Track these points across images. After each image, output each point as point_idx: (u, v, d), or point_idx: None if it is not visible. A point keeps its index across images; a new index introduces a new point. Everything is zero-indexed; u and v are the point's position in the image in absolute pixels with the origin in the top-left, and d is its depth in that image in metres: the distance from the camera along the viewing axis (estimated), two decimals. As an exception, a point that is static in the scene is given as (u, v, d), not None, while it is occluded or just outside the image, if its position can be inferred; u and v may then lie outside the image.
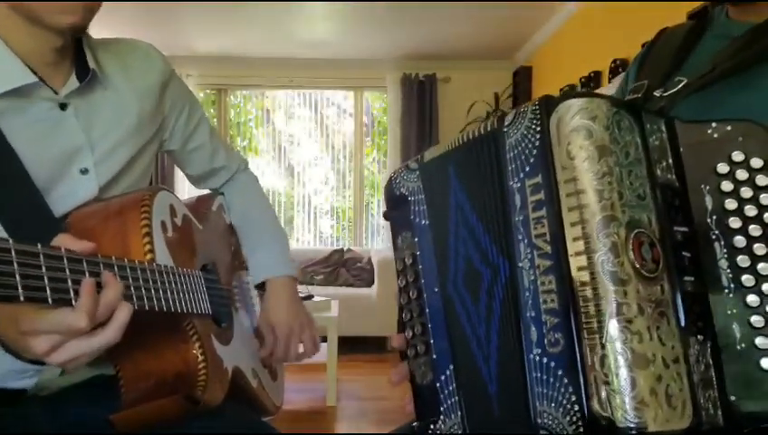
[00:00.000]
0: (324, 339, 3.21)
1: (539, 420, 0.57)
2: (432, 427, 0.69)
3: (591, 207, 0.56)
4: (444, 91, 5.28)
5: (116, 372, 0.77)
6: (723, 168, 0.64)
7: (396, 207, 0.77)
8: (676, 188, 0.63)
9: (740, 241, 0.62)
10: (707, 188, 0.63)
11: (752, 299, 0.60)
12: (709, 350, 0.59)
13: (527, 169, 0.61)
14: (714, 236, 0.62)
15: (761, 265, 0.61)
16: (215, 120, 5.50)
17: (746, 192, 0.63)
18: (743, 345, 0.60)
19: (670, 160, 0.63)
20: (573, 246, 0.56)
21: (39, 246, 0.55)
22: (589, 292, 0.55)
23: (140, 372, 0.77)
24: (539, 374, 0.57)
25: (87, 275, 0.59)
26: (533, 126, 0.61)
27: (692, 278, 0.60)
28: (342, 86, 5.55)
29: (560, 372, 0.56)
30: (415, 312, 0.73)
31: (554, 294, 0.57)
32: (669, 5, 2.65)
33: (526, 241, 0.60)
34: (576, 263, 0.56)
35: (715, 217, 0.63)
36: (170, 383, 0.78)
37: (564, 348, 0.56)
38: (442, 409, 0.69)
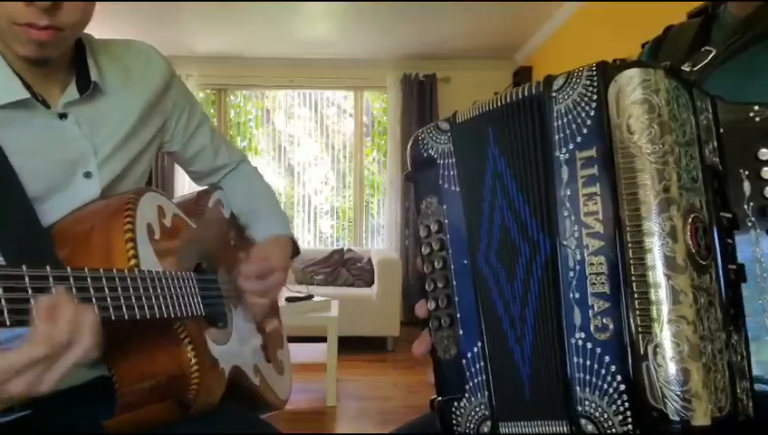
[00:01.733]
0: (324, 339, 3.21)
1: (579, 408, 0.54)
2: (456, 404, 0.65)
3: (650, 188, 0.53)
4: (444, 91, 5.28)
5: (111, 375, 0.77)
6: (765, 153, 0.61)
7: (421, 169, 0.71)
8: (718, 172, 0.60)
9: None
10: (746, 173, 0.61)
11: None
12: (743, 340, 0.57)
13: (578, 139, 0.57)
14: (750, 224, 0.60)
15: None
16: (215, 120, 5.50)
17: None
18: None
19: (715, 143, 0.60)
20: (628, 228, 0.53)
21: None
22: (643, 277, 0.52)
23: (134, 377, 0.76)
24: (581, 360, 0.55)
25: (30, 291, 0.56)
26: (589, 93, 0.57)
27: (735, 266, 0.57)
28: (342, 86, 5.55)
29: (607, 359, 0.53)
30: (440, 282, 0.68)
31: (605, 277, 0.54)
32: (669, 5, 2.65)
33: (573, 218, 0.56)
34: (631, 245, 0.53)
35: (752, 205, 0.60)
36: (164, 387, 0.78)
37: (614, 334, 0.53)
38: (468, 387, 0.65)
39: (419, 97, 5.24)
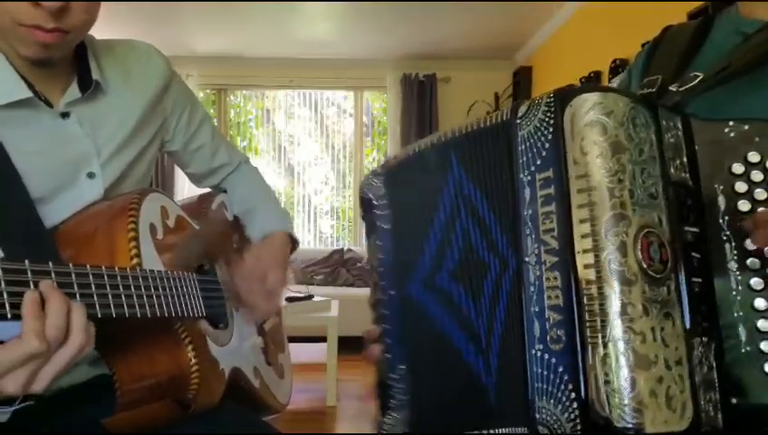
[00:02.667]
0: (324, 339, 3.21)
1: (537, 416, 0.57)
2: (383, 420, 0.72)
3: (601, 205, 0.56)
4: (444, 91, 5.28)
5: (111, 374, 0.77)
6: (738, 168, 0.62)
7: (366, 211, 0.78)
8: (689, 187, 0.61)
9: (751, 244, 0.60)
10: (721, 187, 0.62)
11: (760, 303, 0.59)
12: (713, 351, 0.58)
13: (538, 162, 0.60)
14: (725, 238, 0.61)
15: None
16: (215, 120, 5.48)
17: (761, 194, 0.61)
18: (747, 348, 0.59)
19: (685, 159, 0.62)
20: (581, 244, 0.56)
21: None
22: (594, 290, 0.54)
23: (135, 376, 0.76)
24: (540, 370, 0.57)
25: (32, 286, 0.55)
26: (547, 118, 0.60)
27: (700, 280, 0.59)
28: (342, 86, 5.55)
29: (560, 369, 0.55)
30: (378, 312, 0.75)
31: (559, 291, 0.57)
32: (669, 5, 2.65)
33: (534, 236, 0.59)
34: (582, 260, 0.55)
35: (727, 218, 0.62)
36: (164, 387, 0.78)
37: (566, 345, 0.55)
38: (390, 404, 0.71)
39: (419, 97, 5.24)
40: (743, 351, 0.59)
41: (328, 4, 4.09)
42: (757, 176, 0.62)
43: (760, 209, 0.61)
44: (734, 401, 0.58)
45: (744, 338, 0.59)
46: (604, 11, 3.55)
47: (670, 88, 0.77)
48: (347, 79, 5.43)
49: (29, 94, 0.78)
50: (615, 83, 2.96)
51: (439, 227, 0.68)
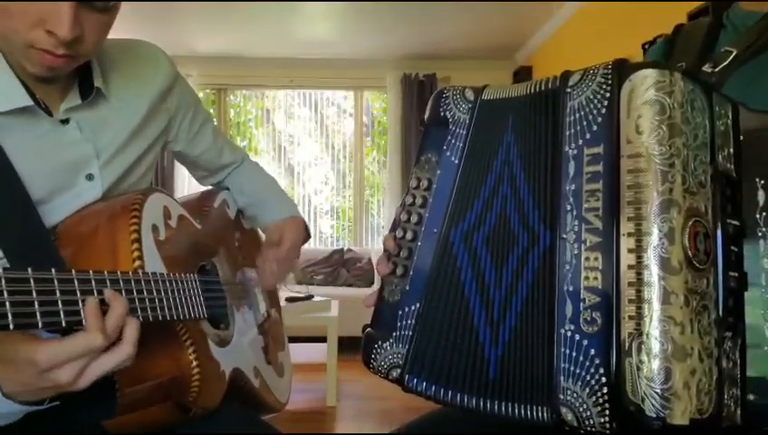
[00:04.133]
0: (324, 339, 3.21)
1: (561, 397, 0.55)
2: (380, 343, 0.70)
3: (652, 188, 0.53)
4: (444, 91, 5.27)
5: (112, 376, 0.77)
6: None
7: (434, 125, 0.72)
8: (732, 179, 0.59)
9: None
10: (762, 182, 0.60)
11: None
12: (738, 347, 0.57)
13: (588, 136, 0.58)
14: (760, 234, 0.59)
15: None
16: (215, 120, 5.49)
17: None
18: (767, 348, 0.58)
19: (731, 149, 0.60)
20: (626, 226, 0.54)
21: (29, 270, 0.55)
22: (635, 276, 0.53)
23: (135, 377, 0.76)
24: (567, 350, 0.55)
25: (78, 294, 0.60)
26: (602, 91, 0.57)
27: (736, 274, 0.58)
28: (342, 86, 5.55)
29: (592, 352, 0.54)
30: (409, 235, 0.71)
31: (598, 272, 0.55)
32: (669, 5, 2.65)
33: (575, 213, 0.57)
34: (627, 244, 0.53)
35: (765, 214, 0.60)
36: (165, 389, 0.77)
37: (601, 329, 0.54)
38: (394, 334, 0.69)
39: (419, 97, 5.24)
40: (765, 349, 0.58)
41: (328, 4, 4.09)
42: None
43: None
44: (751, 397, 0.57)
45: (767, 336, 0.58)
46: (604, 11, 3.55)
47: (703, 69, 0.74)
48: (347, 79, 5.43)
49: (29, 102, 0.78)
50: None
51: (486, 189, 0.66)
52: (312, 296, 3.45)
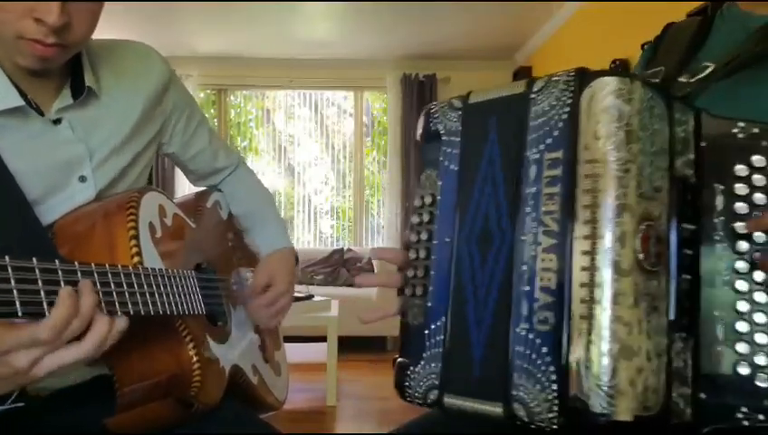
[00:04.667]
0: (324, 339, 3.21)
1: (514, 393, 0.57)
2: (411, 368, 0.69)
3: (607, 193, 0.55)
4: (444, 91, 5.28)
5: (111, 374, 0.77)
6: (741, 170, 0.61)
7: (428, 141, 0.73)
8: (690, 184, 0.61)
9: (742, 246, 0.60)
10: (721, 188, 0.61)
11: (742, 305, 0.59)
12: (690, 348, 0.59)
13: (549, 141, 0.59)
14: (717, 238, 0.61)
15: (757, 273, 0.60)
16: (215, 120, 5.50)
17: (761, 199, 0.61)
18: (723, 348, 0.59)
19: (692, 155, 0.61)
20: (581, 229, 0.55)
21: (7, 258, 0.55)
22: (587, 277, 0.54)
23: (135, 375, 0.76)
24: (522, 349, 0.57)
25: (63, 284, 0.59)
26: (564, 97, 0.59)
27: (689, 276, 0.59)
28: (342, 86, 5.55)
29: (544, 350, 0.56)
30: (422, 253, 0.71)
31: (552, 274, 0.56)
32: (669, 5, 2.65)
33: (534, 215, 0.59)
34: (581, 246, 0.55)
35: (722, 219, 0.61)
36: (165, 385, 0.78)
37: (552, 328, 0.55)
38: (424, 355, 0.68)
39: (419, 97, 5.24)
40: (718, 349, 0.59)
41: (328, 4, 4.09)
42: (760, 181, 0.61)
43: (754, 214, 0.61)
44: (702, 396, 0.58)
45: (721, 337, 0.59)
46: (604, 11, 3.55)
47: (680, 79, 0.75)
48: (347, 79, 5.43)
49: (21, 103, 0.78)
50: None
51: (477, 189, 0.67)
52: (312, 296, 3.45)
